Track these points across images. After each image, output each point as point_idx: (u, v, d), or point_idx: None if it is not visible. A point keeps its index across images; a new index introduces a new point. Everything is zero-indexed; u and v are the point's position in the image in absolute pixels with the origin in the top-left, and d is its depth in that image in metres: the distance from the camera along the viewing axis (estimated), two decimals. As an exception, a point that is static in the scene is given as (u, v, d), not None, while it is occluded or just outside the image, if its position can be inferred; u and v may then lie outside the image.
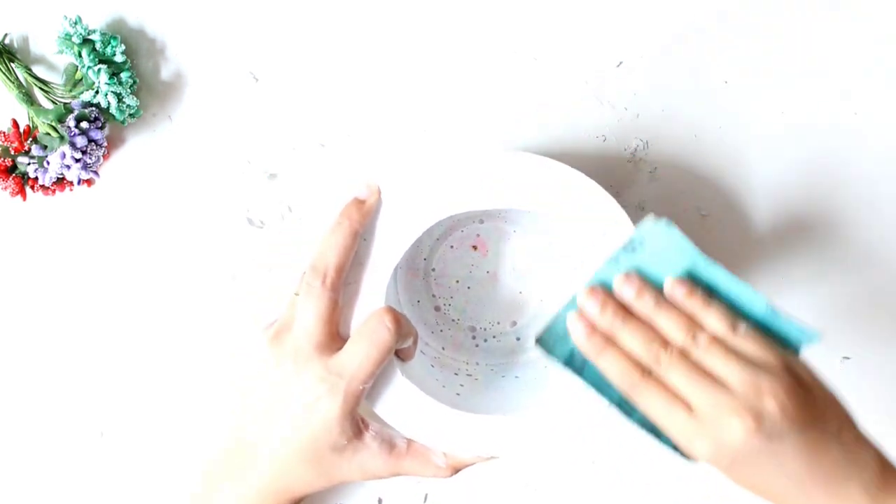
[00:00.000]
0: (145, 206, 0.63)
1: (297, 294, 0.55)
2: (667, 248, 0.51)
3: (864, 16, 0.62)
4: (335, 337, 0.54)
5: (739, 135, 0.62)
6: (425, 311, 0.63)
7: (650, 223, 0.51)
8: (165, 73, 0.63)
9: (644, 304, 0.51)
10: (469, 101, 0.62)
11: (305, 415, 0.53)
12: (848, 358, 0.63)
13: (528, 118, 0.62)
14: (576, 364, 0.52)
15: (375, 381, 0.55)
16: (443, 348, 0.63)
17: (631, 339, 0.50)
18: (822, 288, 0.63)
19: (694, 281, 0.51)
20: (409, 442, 0.56)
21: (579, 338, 0.51)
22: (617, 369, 0.50)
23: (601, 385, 0.52)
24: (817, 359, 0.63)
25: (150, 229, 0.63)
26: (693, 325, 0.50)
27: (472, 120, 0.62)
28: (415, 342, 0.56)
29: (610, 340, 0.51)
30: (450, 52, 0.62)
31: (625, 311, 0.51)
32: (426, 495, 0.64)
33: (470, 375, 0.61)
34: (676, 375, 0.49)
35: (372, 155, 0.63)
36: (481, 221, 0.62)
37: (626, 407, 0.51)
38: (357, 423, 0.54)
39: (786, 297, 0.63)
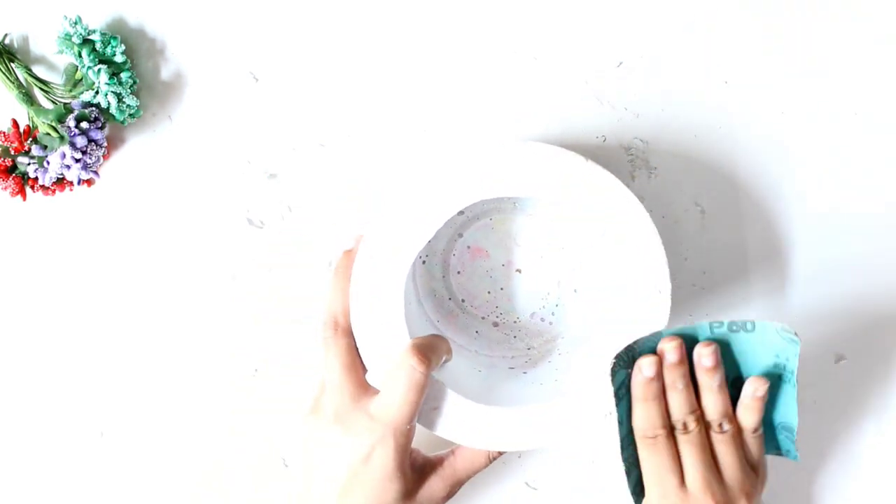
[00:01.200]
0: (145, 206, 0.63)
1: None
2: (771, 350, 0.54)
3: (864, 16, 0.62)
4: (364, 382, 0.55)
5: (739, 135, 0.62)
6: (489, 333, 0.63)
7: (779, 326, 0.53)
8: (165, 73, 0.63)
9: (709, 380, 0.54)
10: (469, 101, 0.62)
11: (366, 470, 0.54)
12: (844, 358, 0.63)
13: (528, 118, 0.62)
14: (620, 393, 0.55)
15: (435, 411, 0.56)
16: (529, 348, 0.63)
17: (678, 401, 0.54)
18: (819, 286, 0.63)
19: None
20: (452, 450, 0.58)
21: (641, 378, 0.54)
22: (649, 418, 0.54)
23: (622, 416, 0.55)
24: (815, 359, 0.63)
25: (151, 229, 0.63)
26: (731, 415, 0.55)
27: (473, 120, 0.62)
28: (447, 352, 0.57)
29: (661, 392, 0.54)
30: (450, 52, 0.62)
31: (689, 375, 0.54)
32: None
33: (561, 354, 0.61)
34: (690, 447, 0.54)
35: (372, 155, 0.63)
36: (460, 235, 0.62)
37: (625, 442, 0.55)
38: (414, 465, 0.56)
39: (783, 295, 0.63)
